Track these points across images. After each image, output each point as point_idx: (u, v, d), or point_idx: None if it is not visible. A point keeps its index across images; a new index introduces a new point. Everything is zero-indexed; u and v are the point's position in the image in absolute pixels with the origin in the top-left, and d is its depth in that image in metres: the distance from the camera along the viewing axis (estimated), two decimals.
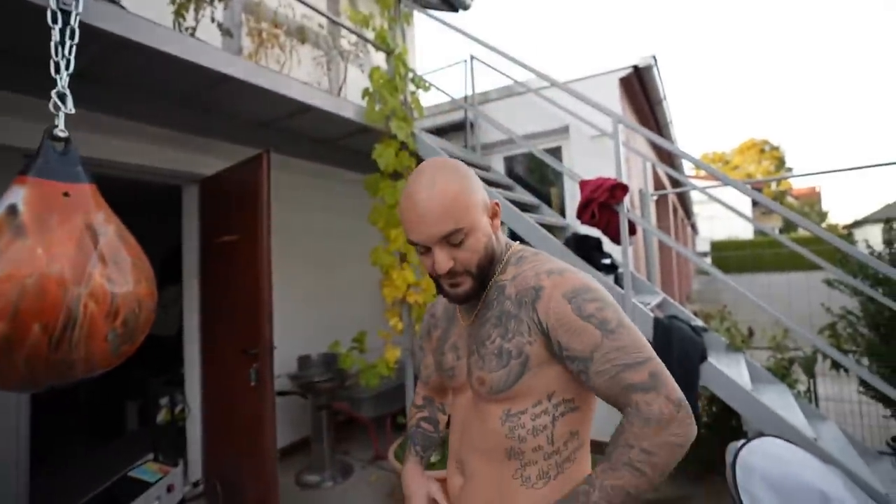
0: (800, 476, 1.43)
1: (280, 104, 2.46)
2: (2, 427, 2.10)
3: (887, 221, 2.85)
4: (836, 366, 2.49)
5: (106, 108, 2.38)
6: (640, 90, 3.55)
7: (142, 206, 5.18)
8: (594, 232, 2.58)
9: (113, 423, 4.06)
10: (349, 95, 3.36)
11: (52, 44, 1.44)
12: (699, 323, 2.36)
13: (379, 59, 3.51)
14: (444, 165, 0.78)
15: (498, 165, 3.84)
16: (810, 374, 2.60)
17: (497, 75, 4.07)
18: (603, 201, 2.01)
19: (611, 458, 0.65)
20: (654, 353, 0.69)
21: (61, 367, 1.16)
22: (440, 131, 4.06)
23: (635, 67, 3.21)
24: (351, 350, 2.69)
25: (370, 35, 2.92)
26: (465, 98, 3.77)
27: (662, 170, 3.64)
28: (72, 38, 1.49)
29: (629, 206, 2.83)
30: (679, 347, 1.86)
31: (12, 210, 1.19)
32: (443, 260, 0.75)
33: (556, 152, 3.62)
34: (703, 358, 1.83)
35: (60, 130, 1.39)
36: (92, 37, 1.70)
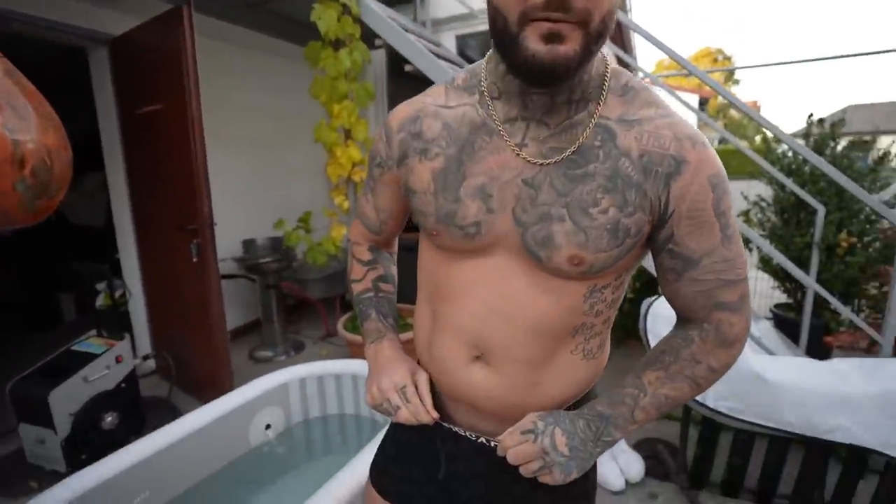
0: None
1: None
2: None
3: (805, 136, 3.07)
4: (745, 243, 2.80)
5: None
6: None
7: (45, 80, 4.51)
8: None
9: (48, 315, 3.93)
10: None
11: None
12: None
13: None
14: None
15: (449, 44, 3.60)
16: None
17: None
18: None
19: (669, 369, 0.61)
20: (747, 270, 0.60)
21: None
22: (387, 3, 3.69)
23: None
24: (296, 229, 2.67)
25: None
26: None
27: (616, 55, 3.58)
28: None
29: None
30: None
31: None
32: None
33: None
34: None
35: None
36: None
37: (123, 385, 2.21)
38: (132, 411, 2.25)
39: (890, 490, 1.44)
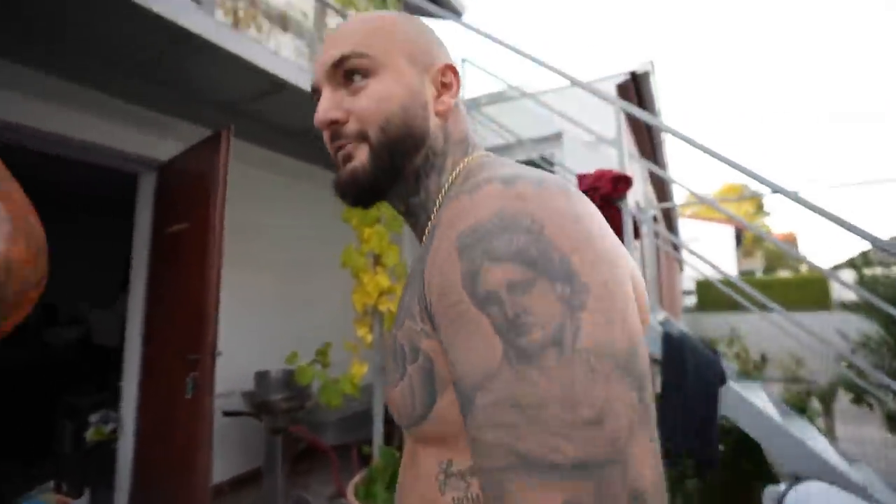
0: None
1: (251, 77, 2.21)
2: None
3: (855, 266, 2.70)
4: (858, 399, 2.23)
5: (61, 71, 2.11)
6: (636, 99, 3.41)
7: (108, 207, 4.82)
8: None
9: (40, 444, 3.56)
10: None
11: None
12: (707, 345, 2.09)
13: None
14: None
15: None
16: (829, 409, 2.33)
17: (484, 83, 3.93)
18: (605, 194, 1.77)
19: None
20: (625, 437, 0.29)
21: None
22: None
23: (633, 73, 3.07)
24: (312, 363, 2.34)
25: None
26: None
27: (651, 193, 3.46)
28: None
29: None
30: (694, 366, 1.57)
31: None
32: (325, 103, 0.48)
33: (547, 161, 3.43)
34: (723, 380, 1.54)
35: None
36: None
37: None
38: None
39: None
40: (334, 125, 0.48)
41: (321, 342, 2.81)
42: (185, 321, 2.11)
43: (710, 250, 22.45)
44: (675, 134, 1.89)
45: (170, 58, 2.06)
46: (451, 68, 0.51)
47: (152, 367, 2.46)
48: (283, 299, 3.40)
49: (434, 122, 0.50)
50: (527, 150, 3.04)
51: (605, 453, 0.28)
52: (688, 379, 1.55)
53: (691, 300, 18.66)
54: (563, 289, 0.31)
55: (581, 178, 1.99)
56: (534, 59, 2.47)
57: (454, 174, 0.49)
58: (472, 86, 4.06)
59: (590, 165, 3.01)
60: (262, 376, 2.98)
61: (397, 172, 0.49)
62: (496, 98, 3.51)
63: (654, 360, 2.69)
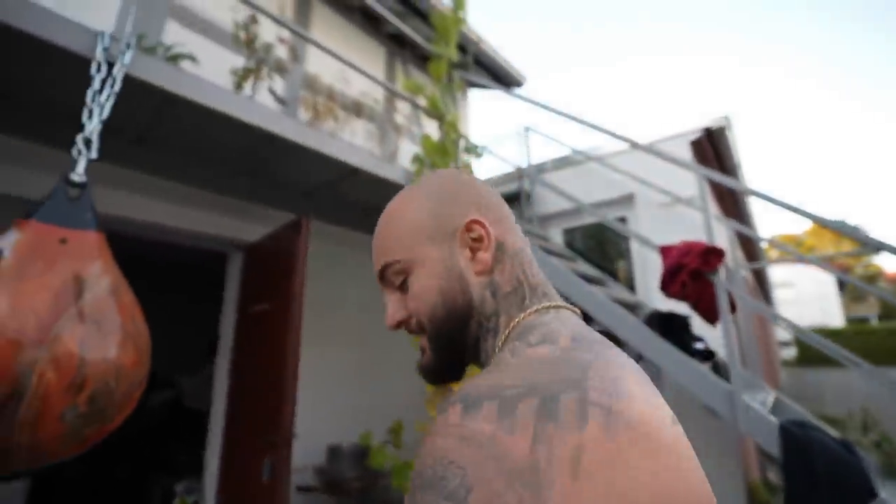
0: None
1: (328, 166, 2.38)
2: None
3: None
4: None
5: (158, 170, 2.40)
6: (712, 155, 3.23)
7: (200, 287, 5.30)
8: (678, 308, 2.14)
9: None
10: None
11: (90, 92, 1.39)
12: (836, 435, 1.77)
13: (431, 129, 3.48)
14: (418, 181, 0.58)
15: (556, 238, 3.55)
16: None
17: (549, 150, 3.94)
18: (695, 268, 1.63)
19: None
20: None
21: None
22: None
23: (707, 130, 2.93)
24: (384, 444, 2.28)
25: (423, 103, 2.89)
26: (520, 169, 3.62)
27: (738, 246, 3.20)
28: (112, 86, 1.44)
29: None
30: (827, 472, 1.32)
31: None
32: (390, 307, 0.53)
33: (620, 224, 3.29)
34: (872, 493, 1.27)
35: (77, 175, 1.27)
36: (143, 94, 1.68)
37: None
38: None
39: None
40: (402, 324, 0.53)
41: (391, 416, 2.76)
42: (264, 400, 2.17)
43: (808, 298, 20.04)
44: (757, 195, 1.74)
45: (257, 155, 2.27)
46: (476, 222, 0.51)
47: (233, 443, 2.53)
48: (358, 373, 3.42)
49: (477, 285, 0.51)
50: (597, 213, 2.95)
51: None
52: (819, 489, 1.30)
53: (790, 352, 16.56)
54: None
55: (665, 253, 1.86)
56: (594, 126, 2.45)
57: (505, 335, 0.48)
58: (538, 151, 4.10)
59: (666, 227, 2.85)
60: (334, 450, 2.95)
61: (459, 347, 0.52)
62: (564, 163, 3.49)
63: (768, 457, 2.33)
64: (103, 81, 1.42)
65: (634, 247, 3.09)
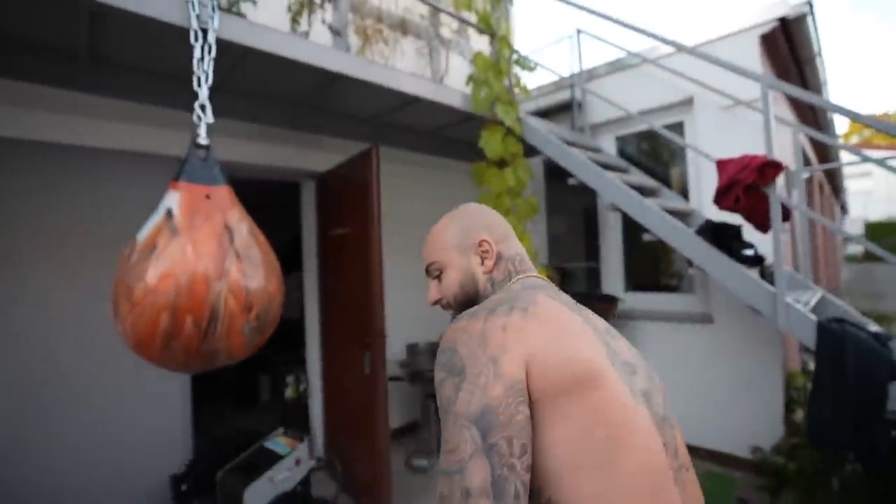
0: None
1: (388, 98, 2.50)
2: (172, 394, 2.47)
3: None
4: None
5: (234, 115, 2.62)
6: (786, 48, 2.98)
7: (263, 203, 5.73)
8: (732, 218, 2.24)
9: (250, 392, 4.61)
10: (451, 83, 3.32)
11: (194, 60, 1.58)
12: (878, 329, 1.93)
13: (479, 43, 3.41)
14: (453, 211, 0.89)
15: (609, 147, 3.54)
16: None
17: (604, 51, 3.73)
18: (750, 183, 1.71)
19: None
20: (466, 459, 0.55)
21: (208, 356, 1.28)
22: (545, 113, 3.86)
23: (782, 20, 2.69)
24: None
25: (472, 19, 2.84)
26: (572, 76, 3.52)
27: (806, 138, 3.09)
28: (209, 53, 1.62)
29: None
30: (857, 362, 1.51)
31: (169, 213, 1.32)
32: (431, 290, 0.86)
33: (676, 129, 3.20)
34: (893, 375, 1.47)
35: (202, 139, 1.52)
36: (222, 50, 1.85)
37: (300, 487, 2.34)
38: None
39: None
40: (438, 302, 0.86)
41: None
42: (355, 310, 2.58)
43: (885, 187, 18.34)
44: (834, 109, 1.71)
45: (323, 91, 2.42)
46: (485, 241, 0.82)
47: (330, 344, 3.04)
48: (424, 279, 3.80)
49: (483, 280, 0.82)
50: (649, 119, 2.91)
51: (455, 469, 0.54)
52: (846, 374, 1.51)
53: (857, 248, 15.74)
54: (456, 380, 0.60)
55: (721, 167, 1.91)
56: (645, 32, 2.34)
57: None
58: (590, 56, 3.89)
59: (728, 133, 2.79)
60: (412, 347, 3.46)
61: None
62: (617, 66, 3.35)
63: (807, 350, 2.52)
64: (201, 49, 1.60)
65: (690, 153, 3.07)
